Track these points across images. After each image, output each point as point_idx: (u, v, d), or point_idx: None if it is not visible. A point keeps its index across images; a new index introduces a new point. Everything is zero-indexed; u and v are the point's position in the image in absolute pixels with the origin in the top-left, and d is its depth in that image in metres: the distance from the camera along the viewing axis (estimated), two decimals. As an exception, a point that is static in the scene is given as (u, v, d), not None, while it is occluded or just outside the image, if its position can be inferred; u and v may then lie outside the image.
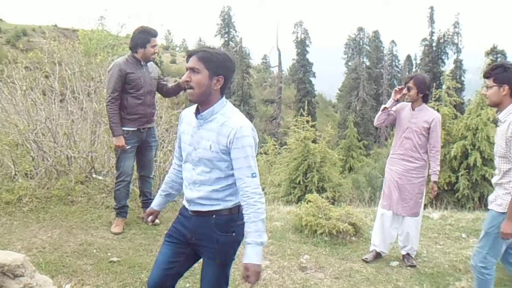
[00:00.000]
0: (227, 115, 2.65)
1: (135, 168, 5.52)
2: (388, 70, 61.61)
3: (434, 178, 4.94)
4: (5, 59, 7.33)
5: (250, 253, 2.58)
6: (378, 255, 5.17)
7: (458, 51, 60.28)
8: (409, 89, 4.88)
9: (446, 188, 11.28)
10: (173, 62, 60.36)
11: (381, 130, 47.06)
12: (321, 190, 11.57)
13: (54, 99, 6.84)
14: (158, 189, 6.41)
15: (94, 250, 4.72)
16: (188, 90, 2.64)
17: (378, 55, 63.58)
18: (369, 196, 11.70)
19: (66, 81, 7.03)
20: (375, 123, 5.20)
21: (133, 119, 5.10)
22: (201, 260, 2.87)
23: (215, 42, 58.26)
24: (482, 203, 10.20)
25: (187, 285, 4.20)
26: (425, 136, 4.85)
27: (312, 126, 12.72)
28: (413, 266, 5.06)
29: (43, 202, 5.78)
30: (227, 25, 62.68)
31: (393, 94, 5.04)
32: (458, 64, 55.36)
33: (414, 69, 61.22)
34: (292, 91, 61.76)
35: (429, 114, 4.88)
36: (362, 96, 56.21)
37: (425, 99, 4.95)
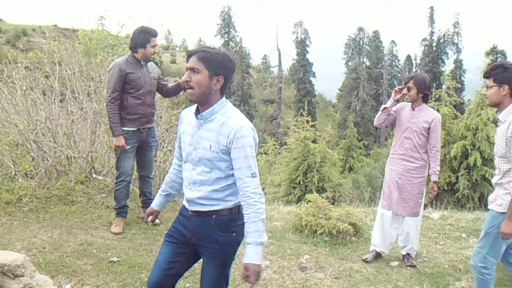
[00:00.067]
0: (227, 115, 2.65)
1: (135, 168, 5.52)
2: (388, 70, 61.61)
3: (434, 178, 4.95)
4: (5, 59, 7.33)
5: (250, 253, 2.58)
6: (378, 255, 5.17)
7: (458, 51, 60.28)
8: (409, 89, 4.88)
9: (446, 188, 11.27)
10: (173, 62, 60.36)
11: (381, 130, 47.05)
12: (321, 190, 11.57)
13: (54, 99, 6.84)
14: (158, 189, 6.42)
15: (94, 250, 4.72)
16: (188, 90, 2.64)
17: (378, 55, 63.58)
18: (369, 196, 11.70)
19: (66, 81, 7.03)
20: (375, 123, 5.20)
21: (133, 119, 5.09)
22: (201, 260, 2.87)
23: (215, 42, 58.29)
24: (482, 203, 10.20)
25: (187, 285, 4.20)
26: (425, 136, 4.85)
27: (312, 126, 12.71)
28: (413, 266, 5.06)
29: (43, 202, 5.78)
30: (227, 25, 62.68)
31: (393, 94, 5.05)
32: (458, 64, 55.34)
33: (414, 69, 61.22)
34: (292, 91, 61.76)
35: (429, 114, 4.88)
36: (362, 96, 56.21)
37: (425, 99, 4.95)
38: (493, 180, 3.78)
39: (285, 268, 4.76)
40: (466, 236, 6.17)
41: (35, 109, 6.63)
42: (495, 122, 3.87)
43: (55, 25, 55.60)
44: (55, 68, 7.02)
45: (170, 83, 5.75)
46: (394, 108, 5.07)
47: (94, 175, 6.55)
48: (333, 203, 7.67)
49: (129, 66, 5.01)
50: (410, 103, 4.96)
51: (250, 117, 42.09)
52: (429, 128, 4.82)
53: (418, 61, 62.96)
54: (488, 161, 10.53)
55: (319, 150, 12.04)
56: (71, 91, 7.06)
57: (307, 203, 6.02)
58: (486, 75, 3.73)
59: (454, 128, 11.44)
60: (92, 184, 6.35)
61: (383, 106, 5.11)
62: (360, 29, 65.72)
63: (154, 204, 3.16)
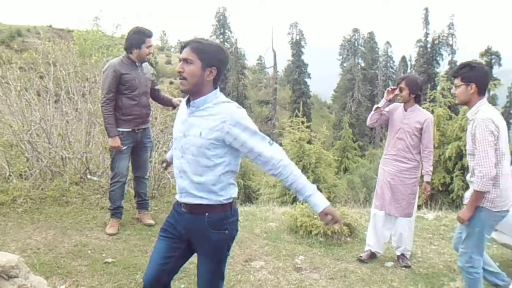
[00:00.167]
0: (220, 105, 2.66)
1: (130, 169, 5.51)
2: (383, 71, 61.83)
3: (427, 178, 4.96)
4: (0, 59, 7.31)
5: (316, 201, 2.60)
6: (373, 255, 5.18)
7: (453, 52, 60.58)
8: (401, 90, 4.90)
9: (440, 188, 11.32)
10: (168, 63, 60.35)
11: (376, 131, 47.22)
12: (316, 191, 11.56)
13: (49, 100, 6.82)
14: (153, 190, 6.44)
15: (89, 251, 4.71)
16: (181, 81, 2.66)
17: (373, 56, 63.82)
18: (364, 197, 11.75)
19: (61, 81, 7.01)
20: (368, 122, 5.22)
21: (128, 120, 5.09)
22: (195, 261, 2.88)
23: (210, 43, 58.18)
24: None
25: (182, 286, 4.20)
26: (417, 137, 4.86)
27: (307, 127, 12.76)
28: (407, 266, 5.07)
29: (37, 203, 5.77)
30: (222, 26, 62.79)
31: (385, 94, 5.07)
32: (453, 65, 55.52)
33: (409, 70, 61.47)
34: (287, 92, 61.89)
35: (421, 115, 4.89)
36: (357, 97, 56.39)
37: (417, 100, 4.96)
38: (467, 178, 3.86)
39: (280, 269, 4.76)
40: (460, 236, 6.18)
41: (29, 110, 6.61)
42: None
43: (50, 26, 55.43)
44: (50, 68, 7.00)
45: (165, 83, 5.73)
46: (387, 109, 5.09)
47: (89, 176, 6.54)
48: (328, 204, 7.68)
49: (124, 67, 5.00)
50: (403, 103, 4.98)
51: (245, 118, 41.99)
52: (421, 129, 4.83)
53: (413, 62, 63.22)
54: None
55: (314, 151, 12.07)
56: (66, 92, 7.04)
57: (302, 204, 6.02)
58: (454, 75, 3.81)
59: (449, 129, 11.48)
60: (87, 185, 6.34)
61: (375, 106, 5.13)
62: (355, 30, 65.97)
63: (168, 156, 3.38)
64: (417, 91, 4.90)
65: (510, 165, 3.78)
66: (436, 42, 61.40)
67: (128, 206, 5.85)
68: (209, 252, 2.76)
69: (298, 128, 12.63)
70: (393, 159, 4.96)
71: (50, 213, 5.57)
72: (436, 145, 11.31)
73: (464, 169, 10.80)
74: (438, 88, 12.98)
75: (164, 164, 3.50)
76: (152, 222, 5.56)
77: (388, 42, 67.01)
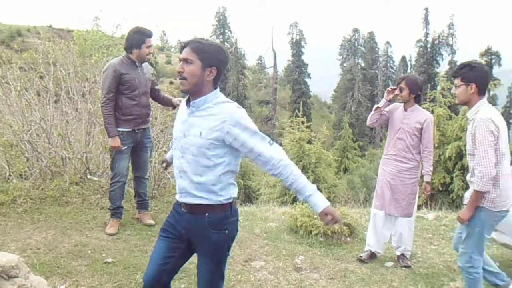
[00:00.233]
0: (220, 105, 2.66)
1: (130, 169, 5.51)
2: (383, 71, 61.84)
3: (427, 178, 4.96)
4: (0, 59, 7.30)
5: (316, 201, 2.61)
6: (373, 255, 5.18)
7: (453, 52, 60.58)
8: (401, 90, 4.90)
9: (440, 188, 11.32)
10: (168, 63, 60.35)
11: (376, 131, 47.21)
12: (316, 191, 11.55)
13: (49, 100, 6.82)
14: (153, 190, 6.44)
15: (89, 251, 4.71)
16: (181, 81, 2.66)
17: (373, 56, 63.82)
18: (364, 197, 11.75)
19: (61, 81, 7.01)
20: (368, 122, 5.22)
21: (128, 120, 5.08)
22: (195, 261, 2.88)
23: (210, 43, 58.21)
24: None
25: (182, 286, 4.20)
26: (417, 137, 4.86)
27: (307, 127, 12.76)
28: (407, 266, 5.06)
29: (37, 203, 5.76)
30: (222, 26, 62.79)
31: (385, 94, 5.07)
32: (453, 65, 55.53)
33: (409, 70, 61.49)
34: (287, 92, 61.89)
35: (421, 115, 4.89)
36: (357, 97, 56.39)
37: (417, 100, 4.95)
38: (467, 178, 3.87)
39: (280, 269, 4.76)
40: (460, 236, 6.18)
41: (29, 110, 6.61)
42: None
43: (50, 26, 55.42)
44: (50, 68, 7.00)
45: (165, 84, 5.74)
46: (387, 109, 5.09)
47: (89, 176, 6.54)
48: (328, 204, 7.68)
49: (124, 67, 5.00)
50: (403, 103, 4.97)
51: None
52: (421, 129, 4.83)
53: (413, 62, 63.23)
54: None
55: (314, 151, 12.07)
56: (66, 92, 7.04)
57: (302, 204, 6.02)
58: (454, 75, 3.82)
59: (449, 129, 11.48)
60: (87, 185, 6.34)
61: (375, 106, 5.13)
62: (355, 30, 65.97)
63: (168, 156, 3.39)
64: (417, 91, 4.90)
65: (510, 165, 3.79)
66: (436, 42, 61.41)
67: (128, 206, 5.85)
68: (209, 252, 2.77)
69: (298, 128, 12.63)
70: (393, 159, 4.96)
71: (50, 213, 5.56)
72: (436, 145, 11.31)
73: (464, 169, 10.79)
74: (438, 88, 12.98)
75: (164, 164, 3.51)
76: (152, 222, 5.56)
77: (388, 42, 67.05)
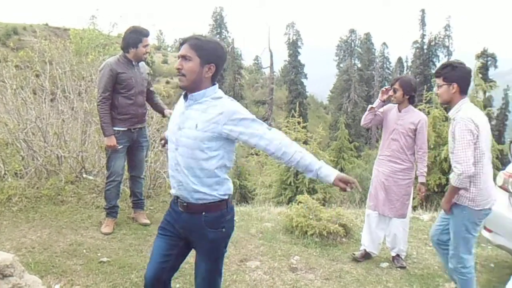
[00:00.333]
0: (218, 100, 2.68)
1: (126, 168, 5.50)
2: (379, 72, 61.93)
3: (421, 179, 4.96)
4: (-4, 57, 7.28)
5: (326, 171, 2.61)
6: (367, 255, 5.20)
7: (449, 53, 60.80)
8: (395, 91, 4.91)
9: (436, 190, 11.34)
10: (165, 62, 60.25)
11: (372, 131, 47.28)
12: (312, 191, 11.60)
13: (45, 98, 6.80)
14: (149, 189, 6.43)
15: (84, 250, 4.70)
16: (180, 77, 2.67)
17: (370, 57, 63.90)
18: (360, 198, 11.74)
19: (57, 80, 6.99)
20: (362, 122, 5.23)
21: (124, 119, 5.08)
22: (190, 261, 2.89)
23: (207, 43, 58.27)
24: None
25: (178, 285, 4.19)
26: (411, 138, 4.87)
27: (304, 127, 12.78)
28: (403, 267, 5.08)
29: (32, 201, 5.75)
30: (219, 25, 62.82)
31: (379, 94, 5.09)
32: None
33: (405, 71, 61.66)
34: (284, 92, 61.88)
35: (415, 116, 4.89)
36: (354, 98, 56.46)
37: (411, 101, 4.96)
38: (450, 177, 3.90)
39: (275, 269, 4.76)
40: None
41: (25, 108, 6.59)
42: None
43: (46, 24, 55.26)
44: (46, 67, 6.98)
45: (162, 83, 5.73)
46: (381, 110, 5.10)
47: (84, 175, 6.53)
48: (323, 204, 7.69)
49: (121, 66, 4.99)
50: (397, 104, 4.99)
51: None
52: (415, 130, 4.84)
53: (409, 64, 63.41)
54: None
55: (310, 151, 12.04)
56: (62, 91, 7.02)
57: (298, 204, 6.03)
58: (437, 75, 3.89)
59: (445, 130, 11.49)
60: (82, 184, 6.32)
61: (369, 106, 5.15)
62: (352, 31, 66.04)
63: (167, 134, 3.33)
64: (411, 92, 4.91)
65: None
66: (433, 43, 61.60)
67: (124, 205, 5.84)
68: (207, 250, 2.80)
69: (295, 128, 12.65)
70: (387, 160, 4.97)
71: (45, 212, 5.55)
72: (432, 146, 11.34)
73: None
74: (434, 89, 13.00)
75: (163, 142, 3.48)
76: (147, 221, 5.55)
77: (384, 43, 67.18)
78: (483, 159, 3.67)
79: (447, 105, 3.95)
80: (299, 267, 4.86)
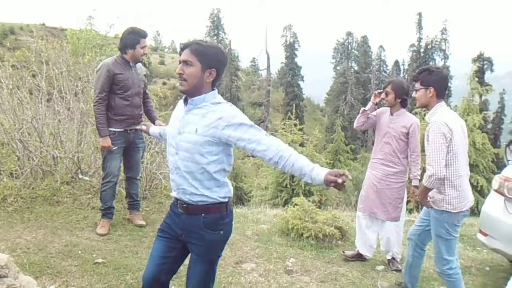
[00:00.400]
0: (217, 105, 2.69)
1: (122, 169, 5.49)
2: (376, 75, 62.07)
3: (414, 182, 4.96)
4: (-8, 57, 7.27)
5: (319, 171, 2.57)
6: (359, 256, 5.22)
7: (446, 57, 61.02)
8: (387, 94, 4.92)
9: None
10: (162, 63, 60.28)
11: (368, 134, 47.35)
12: (308, 194, 11.62)
13: (41, 99, 6.79)
14: (145, 190, 6.41)
15: (79, 251, 4.69)
16: (181, 81, 2.69)
17: (366, 60, 64.08)
18: (356, 200, 11.72)
19: (53, 80, 6.98)
20: (355, 125, 5.25)
21: (120, 120, 5.07)
22: (185, 262, 2.89)
23: (204, 44, 58.32)
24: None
25: (172, 287, 4.18)
26: (404, 141, 4.88)
27: (300, 129, 12.80)
28: (398, 270, 5.08)
29: (28, 202, 5.73)
30: (216, 27, 62.82)
31: (372, 97, 5.11)
32: (445, 70, 55.89)
33: (401, 74, 61.86)
34: (280, 94, 61.94)
35: (407, 119, 4.90)
36: (350, 101, 56.54)
37: (404, 104, 4.97)
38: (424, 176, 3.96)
39: (271, 271, 4.75)
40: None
41: (21, 108, 6.58)
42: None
43: (43, 24, 55.25)
44: (43, 67, 6.97)
45: (158, 84, 5.72)
46: (374, 113, 5.12)
47: (80, 176, 6.51)
48: (319, 207, 7.70)
49: (118, 66, 4.99)
50: (389, 108, 5.00)
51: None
52: (407, 133, 4.85)
53: (406, 67, 63.57)
54: (474, 167, 10.60)
55: (307, 154, 12.07)
56: (58, 91, 7.01)
57: (293, 207, 6.03)
58: (414, 79, 3.97)
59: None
60: (78, 185, 6.31)
61: (362, 109, 5.17)
62: (349, 34, 66.24)
63: (153, 129, 3.51)
64: (403, 96, 4.93)
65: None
66: (429, 47, 61.80)
67: (119, 206, 5.83)
68: (202, 252, 2.80)
69: (291, 130, 12.67)
70: (380, 163, 4.98)
71: (41, 213, 5.53)
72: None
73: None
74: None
75: (144, 127, 3.62)
76: (143, 222, 5.54)
77: (381, 46, 67.30)
78: (456, 162, 3.72)
79: (425, 109, 4.04)
80: (294, 270, 4.86)
